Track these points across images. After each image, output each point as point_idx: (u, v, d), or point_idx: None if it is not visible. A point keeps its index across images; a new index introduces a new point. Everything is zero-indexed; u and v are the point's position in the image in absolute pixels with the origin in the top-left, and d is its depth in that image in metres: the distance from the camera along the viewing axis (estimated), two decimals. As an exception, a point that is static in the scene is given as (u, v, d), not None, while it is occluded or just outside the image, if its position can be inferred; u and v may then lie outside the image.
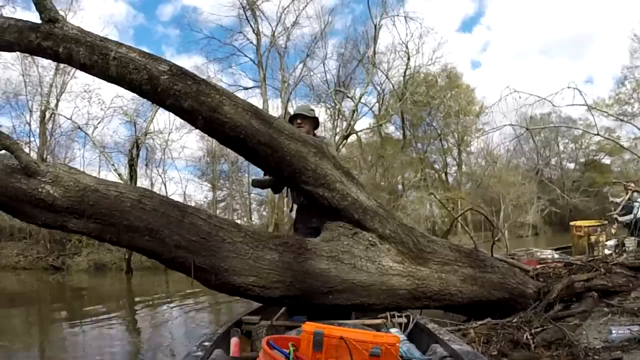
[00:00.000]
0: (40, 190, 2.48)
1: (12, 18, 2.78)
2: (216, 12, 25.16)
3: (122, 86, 2.83)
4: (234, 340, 2.31)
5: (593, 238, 6.83)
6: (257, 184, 3.49)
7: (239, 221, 25.25)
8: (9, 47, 2.78)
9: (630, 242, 6.49)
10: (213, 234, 2.64)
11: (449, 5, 45.15)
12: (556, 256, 6.24)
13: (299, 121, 3.36)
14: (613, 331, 2.58)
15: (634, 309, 3.06)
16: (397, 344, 1.65)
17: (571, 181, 32.04)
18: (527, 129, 7.75)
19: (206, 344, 2.08)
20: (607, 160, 33.98)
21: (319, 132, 3.81)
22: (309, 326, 1.64)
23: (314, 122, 3.50)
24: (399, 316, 2.66)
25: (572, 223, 7.76)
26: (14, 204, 2.53)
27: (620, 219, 6.95)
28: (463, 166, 31.15)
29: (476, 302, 3.25)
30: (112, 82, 2.83)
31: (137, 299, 8.87)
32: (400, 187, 27.27)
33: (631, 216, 6.91)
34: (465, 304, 3.23)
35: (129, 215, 2.55)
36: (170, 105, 2.74)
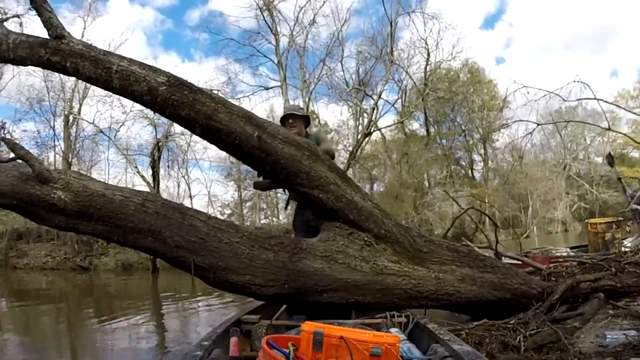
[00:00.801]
0: (52, 195, 2.69)
1: (23, 34, 2.99)
2: (235, 14, 25.61)
3: (125, 97, 3.01)
4: (233, 340, 2.36)
5: (608, 235, 6.63)
6: (258, 186, 3.60)
7: (265, 221, 25.63)
8: (21, 62, 3.00)
9: None
10: (211, 234, 2.78)
11: (470, 3, 44.46)
12: (571, 254, 6.09)
13: (290, 121, 3.46)
14: (608, 336, 2.52)
15: (638, 312, 2.96)
16: (398, 344, 1.66)
17: (599, 175, 30.77)
18: (538, 124, 7.60)
19: (205, 343, 2.12)
20: (635, 154, 32.48)
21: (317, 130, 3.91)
22: (309, 326, 1.65)
23: (305, 120, 3.58)
24: (399, 316, 2.69)
25: (587, 220, 7.57)
26: (30, 208, 2.75)
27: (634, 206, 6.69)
28: (489, 162, 30.43)
29: (475, 302, 3.24)
30: (116, 94, 3.02)
31: (163, 298, 9.12)
32: (426, 184, 26.91)
33: None
34: (464, 304, 3.23)
35: (133, 217, 2.72)
36: (170, 114, 2.90)
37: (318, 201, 3.03)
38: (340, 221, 3.08)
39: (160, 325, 5.99)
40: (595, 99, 6.36)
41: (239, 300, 7.26)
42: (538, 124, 7.51)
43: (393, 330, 2.48)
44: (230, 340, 2.36)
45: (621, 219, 7.14)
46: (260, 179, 3.45)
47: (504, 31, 46.30)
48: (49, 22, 2.78)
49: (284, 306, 3.22)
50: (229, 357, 2.19)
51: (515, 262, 4.88)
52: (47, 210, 2.73)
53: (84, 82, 18.48)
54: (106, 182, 3.14)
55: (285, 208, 3.67)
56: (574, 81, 6.27)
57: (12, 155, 2.72)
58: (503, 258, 4.88)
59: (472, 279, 3.25)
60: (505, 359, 2.40)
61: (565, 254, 6.12)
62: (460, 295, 3.19)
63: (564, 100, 6.54)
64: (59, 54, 2.84)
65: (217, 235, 2.79)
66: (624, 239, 6.67)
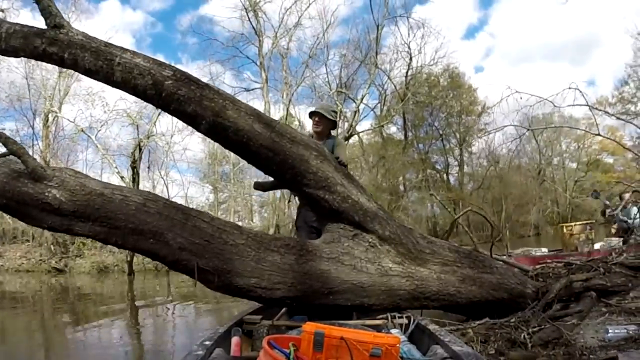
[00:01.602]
0: (46, 194, 2.53)
1: (17, 24, 2.82)
2: (222, 15, 25.37)
3: (126, 91, 2.88)
4: (234, 340, 2.33)
5: (582, 236, 7.01)
6: (259, 186, 3.54)
7: (240, 223, 25.38)
8: (14, 53, 2.82)
9: (614, 243, 6.72)
10: (216, 236, 2.69)
11: (454, 15, 46.27)
12: (549, 255, 6.37)
13: (316, 119, 3.43)
14: (610, 330, 2.62)
15: (631, 309, 3.08)
16: (398, 345, 1.65)
17: (573, 181, 32.02)
18: (529, 129, 7.83)
19: (207, 343, 2.10)
20: (609, 160, 33.99)
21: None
22: (310, 326, 1.64)
23: (332, 123, 3.55)
24: (399, 317, 2.68)
25: (561, 224, 8.05)
26: (21, 208, 2.57)
27: (617, 218, 7.13)
28: (465, 166, 31.14)
29: (475, 302, 3.29)
30: (116, 87, 2.88)
31: (139, 301, 8.91)
32: (402, 187, 27.29)
33: (630, 222, 7.13)
34: (464, 304, 3.27)
35: (134, 218, 2.60)
36: (174, 109, 2.80)
37: (324, 202, 2.99)
38: (345, 222, 3.06)
39: (135, 330, 5.80)
40: (587, 105, 6.61)
41: (215, 303, 7.18)
42: (527, 129, 7.75)
43: (394, 331, 2.49)
44: (231, 340, 2.33)
45: (593, 221, 7.55)
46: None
47: (485, 41, 48.09)
48: (47, 10, 2.63)
49: (285, 307, 3.17)
50: (230, 357, 2.17)
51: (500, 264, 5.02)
52: (40, 210, 2.56)
53: (66, 79, 18.16)
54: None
55: (288, 201, 3.61)
56: (569, 88, 6.52)
57: (3, 149, 2.54)
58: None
59: (472, 279, 3.29)
60: (516, 355, 2.45)
61: (544, 254, 6.37)
62: (461, 295, 3.22)
63: (554, 105, 6.78)
64: (57, 45, 2.69)
65: (222, 237, 2.70)
66: (595, 242, 7.05)
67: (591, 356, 2.38)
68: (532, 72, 45.16)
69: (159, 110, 15.43)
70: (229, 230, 2.76)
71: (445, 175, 31.26)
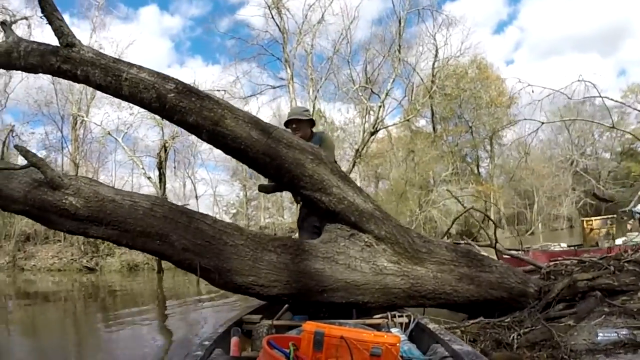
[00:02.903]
0: (64, 201, 2.80)
1: (34, 42, 3.09)
2: (247, 14, 25.70)
3: (134, 104, 3.12)
4: (234, 340, 2.39)
5: (603, 231, 6.78)
6: (262, 189, 3.71)
7: (269, 220, 25.81)
8: (33, 70, 3.11)
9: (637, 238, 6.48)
10: (217, 237, 2.88)
11: (484, 11, 45.73)
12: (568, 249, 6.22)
13: (294, 126, 3.52)
14: (600, 334, 2.59)
15: (634, 310, 3.00)
16: (398, 344, 1.66)
17: (607, 171, 30.55)
18: (543, 123, 7.64)
19: (206, 343, 2.15)
20: None
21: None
22: (310, 326, 1.67)
23: (310, 122, 3.64)
24: (399, 316, 2.73)
25: (582, 218, 7.80)
26: (42, 214, 2.87)
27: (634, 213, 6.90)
28: (495, 159, 30.33)
29: (473, 301, 3.32)
30: (125, 101, 3.13)
31: (168, 298, 9.12)
32: (431, 181, 26.93)
33: None
34: (462, 303, 3.31)
35: (142, 222, 2.83)
36: (178, 120, 3.00)
37: (320, 204, 3.11)
38: (342, 223, 3.17)
39: (164, 325, 6.03)
40: (600, 96, 6.40)
41: (242, 300, 7.36)
42: (542, 123, 7.58)
43: (394, 330, 2.52)
44: (231, 340, 2.38)
45: (614, 216, 7.32)
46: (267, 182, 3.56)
47: (514, 35, 47.45)
48: (60, 30, 2.87)
49: (286, 306, 3.29)
50: (230, 357, 2.21)
51: (516, 258, 4.97)
52: (59, 215, 2.84)
53: (92, 85, 18.97)
54: (113, 183, 3.27)
55: (297, 202, 3.73)
56: (578, 80, 6.33)
57: (24, 161, 2.82)
58: (504, 256, 4.97)
59: (470, 278, 3.33)
60: (498, 356, 2.47)
61: (562, 250, 6.22)
62: (458, 294, 3.27)
63: (568, 98, 6.58)
64: (70, 62, 2.94)
65: (222, 238, 2.89)
66: (616, 237, 6.82)
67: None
68: (562, 64, 44.51)
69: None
70: (229, 232, 2.95)
71: (476, 168, 30.59)
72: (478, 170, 30.62)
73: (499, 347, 2.61)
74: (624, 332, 2.57)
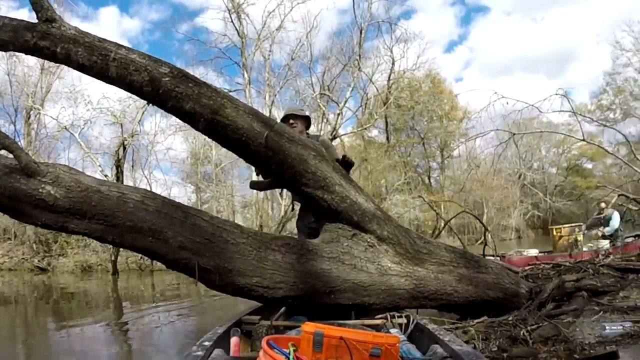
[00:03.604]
0: (40, 190, 2.45)
1: (6, 17, 2.73)
2: (206, 17, 25.21)
3: (121, 87, 2.81)
4: (233, 340, 2.31)
5: (572, 237, 7.26)
6: (255, 186, 3.51)
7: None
8: (3, 47, 2.73)
9: (603, 244, 7.01)
10: (217, 235, 2.64)
11: (436, 30, 48.34)
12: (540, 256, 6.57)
13: (291, 121, 3.41)
14: (607, 327, 2.70)
15: (623, 308, 3.17)
16: (397, 345, 1.65)
17: (553, 185, 32.90)
18: (514, 134, 8.03)
19: (206, 343, 2.08)
20: (589, 165, 35.14)
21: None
22: (309, 326, 1.64)
23: (306, 120, 3.53)
24: (399, 316, 2.69)
25: (550, 227, 8.37)
26: (13, 204, 2.48)
27: (603, 231, 7.53)
28: (446, 170, 31.62)
29: (471, 301, 3.32)
30: (110, 83, 2.81)
31: (123, 301, 8.70)
32: (384, 190, 27.53)
33: (609, 229, 7.56)
34: (461, 304, 3.30)
35: (132, 216, 2.53)
36: (172, 107, 2.75)
37: (322, 202, 2.98)
38: (343, 222, 3.06)
39: (119, 330, 5.63)
40: (572, 112, 6.82)
41: (198, 303, 7.07)
42: (514, 134, 7.95)
43: (393, 331, 2.49)
44: (230, 341, 2.30)
45: (581, 224, 7.85)
46: (259, 178, 3.36)
47: (464, 55, 50.61)
48: (39, 3, 2.56)
49: (283, 308, 3.14)
50: (230, 357, 2.15)
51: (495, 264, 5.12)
52: (34, 206, 2.47)
53: (48, 76, 17.62)
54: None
55: (292, 209, 3.58)
56: (556, 94, 6.71)
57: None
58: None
59: (469, 279, 3.33)
60: (519, 351, 2.49)
61: (536, 255, 6.54)
62: (458, 295, 3.26)
63: (540, 111, 6.96)
64: (49, 39, 2.61)
65: (223, 236, 2.66)
66: (582, 244, 7.33)
67: (591, 351, 2.44)
68: (510, 84, 47.65)
69: (143, 109, 15.33)
70: (229, 229, 2.72)
71: (427, 179, 31.67)
72: (429, 181, 31.73)
73: (515, 343, 2.62)
74: (628, 325, 2.71)
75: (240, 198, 26.37)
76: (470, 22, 55.12)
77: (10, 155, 2.50)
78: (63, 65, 3.29)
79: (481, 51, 51.64)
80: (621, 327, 2.68)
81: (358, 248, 3.00)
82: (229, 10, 20.10)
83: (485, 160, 24.22)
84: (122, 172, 14.03)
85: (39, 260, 15.49)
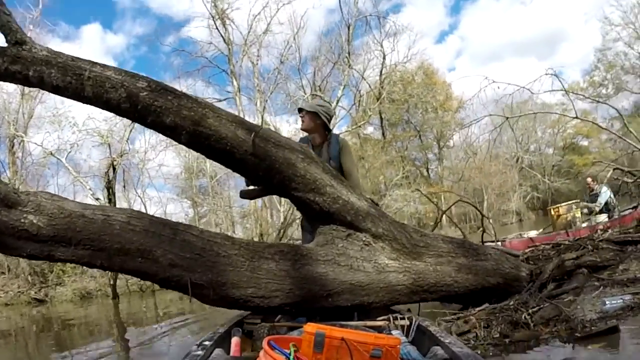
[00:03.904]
0: (22, 221, 2.39)
1: None
2: (190, 25, 25.25)
3: (98, 106, 2.76)
4: (234, 340, 2.31)
5: (570, 216, 7.26)
6: (245, 195, 3.45)
7: (224, 235, 25.16)
8: None
9: (602, 218, 7.01)
10: (207, 249, 2.59)
11: (426, 22, 48.51)
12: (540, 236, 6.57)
13: (301, 114, 3.39)
14: (607, 302, 2.69)
15: (623, 280, 3.16)
16: (398, 346, 1.66)
17: (551, 166, 32.99)
18: (507, 118, 8.00)
19: (207, 343, 2.07)
20: (585, 142, 35.25)
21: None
22: (310, 327, 1.63)
23: (313, 115, 3.34)
24: (401, 318, 2.68)
25: (548, 207, 8.41)
26: (-4, 238, 2.43)
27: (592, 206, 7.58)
28: (444, 161, 31.67)
29: (472, 290, 3.29)
30: (88, 103, 2.75)
31: (127, 325, 8.63)
32: (383, 186, 27.54)
33: (597, 204, 7.65)
34: (462, 293, 3.27)
35: (119, 238, 2.48)
36: (152, 122, 2.70)
37: (314, 204, 2.93)
38: (337, 223, 3.01)
39: (124, 354, 5.58)
40: (564, 90, 6.80)
41: (202, 318, 7.02)
42: (507, 117, 7.93)
43: (395, 332, 2.48)
44: (231, 341, 2.30)
45: (578, 201, 7.89)
46: (249, 187, 3.31)
47: (455, 44, 50.97)
48: (7, 26, 2.49)
49: None
50: (231, 357, 2.14)
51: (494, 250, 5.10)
52: (17, 238, 2.41)
53: (29, 102, 17.51)
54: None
55: (292, 213, 3.54)
56: (546, 74, 6.69)
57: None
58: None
59: (468, 267, 3.30)
60: (521, 335, 2.48)
61: (537, 236, 6.53)
62: (458, 285, 3.23)
63: (532, 93, 6.95)
64: (20, 62, 2.55)
65: (214, 249, 2.61)
66: (583, 221, 7.32)
67: (592, 328, 2.44)
68: (502, 69, 47.85)
69: (130, 127, 15.23)
70: (219, 242, 2.67)
71: (425, 171, 31.70)
72: (428, 173, 31.78)
73: (516, 327, 2.62)
74: (627, 298, 2.71)
75: (239, 208, 26.36)
76: (460, 11, 55.68)
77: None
78: (42, 89, 3.22)
79: (472, 39, 52.12)
80: (621, 300, 2.67)
81: (353, 248, 2.96)
82: (213, 18, 20.08)
83: (481, 147, 24.29)
84: (114, 194, 13.88)
85: (35, 292, 15.21)
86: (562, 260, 3.57)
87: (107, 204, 13.90)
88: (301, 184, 2.88)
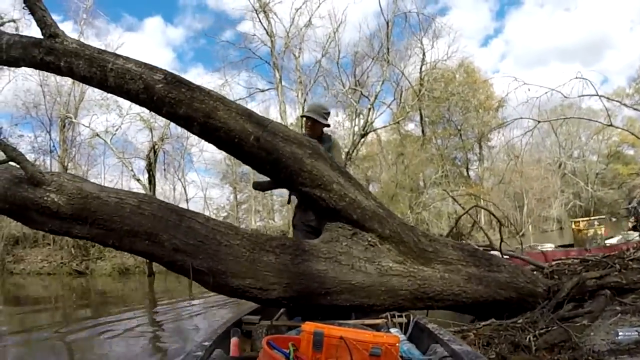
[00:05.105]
0: (45, 198, 2.59)
1: (16, 34, 2.94)
2: (234, 16, 25.83)
3: (121, 96, 2.92)
4: (233, 340, 2.33)
5: (591, 232, 6.85)
6: (257, 186, 3.53)
7: (260, 223, 25.64)
8: (15, 63, 2.92)
9: (633, 236, 6.55)
10: (210, 237, 2.68)
11: (471, 26, 48.71)
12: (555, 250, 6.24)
13: (308, 123, 3.54)
14: (620, 333, 2.47)
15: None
16: (397, 344, 1.65)
17: (594, 173, 31.13)
18: (540, 122, 7.62)
19: (206, 343, 2.09)
20: (630, 151, 32.95)
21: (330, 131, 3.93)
22: (309, 326, 1.64)
23: (314, 120, 3.55)
24: (399, 316, 2.65)
25: (571, 219, 8.03)
26: (23, 212, 2.64)
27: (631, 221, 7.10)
28: (485, 161, 30.57)
29: (482, 302, 3.18)
30: (111, 93, 2.94)
31: (159, 301, 9.10)
32: (421, 184, 27.01)
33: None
34: (470, 304, 3.17)
35: (129, 220, 2.62)
36: (167, 112, 2.81)
37: (320, 201, 2.95)
38: (343, 221, 3.00)
39: (156, 329, 5.93)
40: (597, 95, 6.39)
41: (234, 300, 7.24)
42: (539, 121, 7.55)
43: (393, 330, 2.47)
44: (230, 341, 2.33)
45: (603, 217, 7.50)
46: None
47: (500, 47, 50.51)
48: (42, 20, 2.71)
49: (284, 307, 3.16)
50: (230, 357, 2.17)
51: (517, 258, 4.88)
52: (40, 214, 2.62)
53: (80, 85, 18.64)
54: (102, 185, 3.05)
55: (288, 202, 3.63)
56: (576, 78, 6.31)
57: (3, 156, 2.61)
58: (504, 256, 4.88)
59: (478, 278, 3.19)
60: (517, 359, 2.33)
61: (550, 249, 6.22)
62: (466, 295, 3.13)
63: (564, 97, 6.57)
64: (53, 54, 2.76)
65: (217, 238, 2.69)
66: (610, 237, 6.89)
67: (599, 362, 2.24)
68: (546, 74, 46.34)
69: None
70: (223, 231, 2.75)
71: (465, 171, 30.75)
72: (467, 173, 30.81)
73: (516, 350, 2.46)
74: None
75: (278, 197, 26.76)
76: (505, 16, 54.66)
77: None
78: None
79: (516, 43, 51.40)
80: (636, 333, 2.43)
81: (358, 248, 2.94)
82: (256, 11, 20.35)
83: (523, 150, 23.18)
84: (154, 176, 14.53)
85: (77, 264, 16.24)
86: (583, 278, 3.32)
87: (147, 185, 14.60)
88: (308, 179, 2.90)
